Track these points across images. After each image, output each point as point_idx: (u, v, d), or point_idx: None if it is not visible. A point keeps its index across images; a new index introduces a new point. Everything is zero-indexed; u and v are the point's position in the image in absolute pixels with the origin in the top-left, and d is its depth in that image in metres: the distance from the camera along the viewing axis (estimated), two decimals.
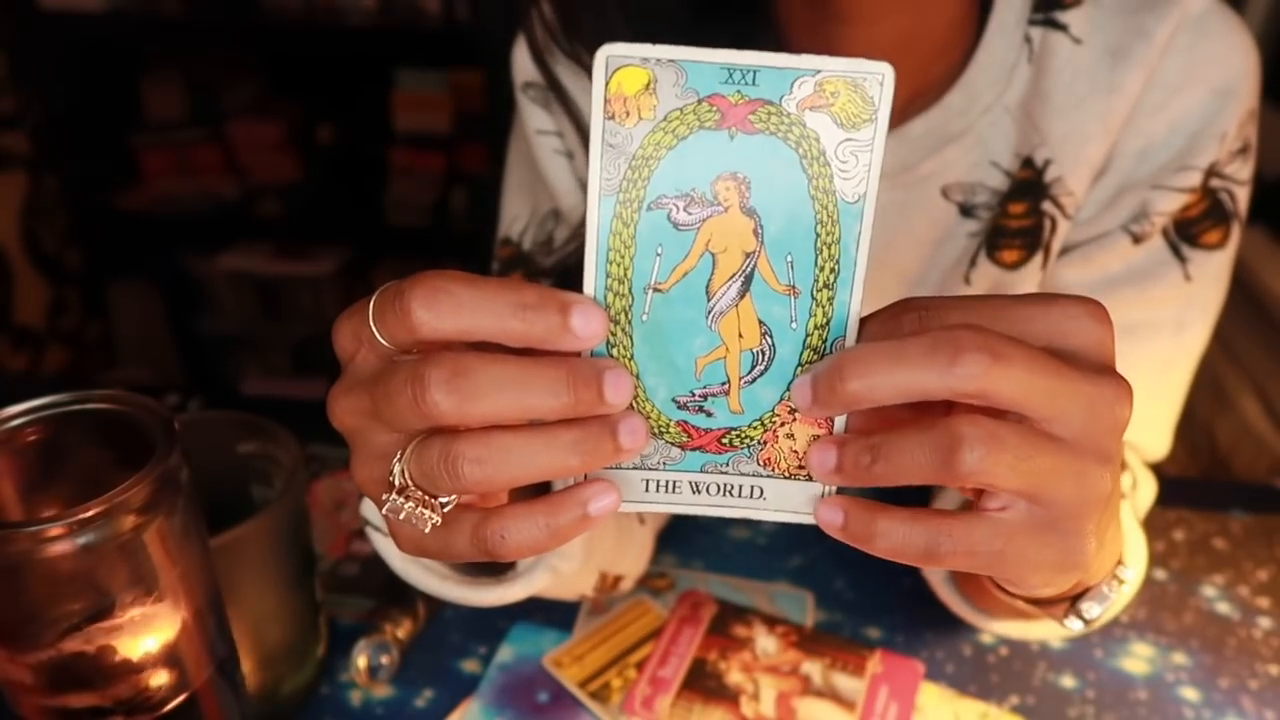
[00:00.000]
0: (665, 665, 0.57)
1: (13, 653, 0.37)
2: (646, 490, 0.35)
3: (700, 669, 0.56)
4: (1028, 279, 0.60)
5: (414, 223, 2.02)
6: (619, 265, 0.32)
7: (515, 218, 0.68)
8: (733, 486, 0.35)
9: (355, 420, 0.33)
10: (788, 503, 0.35)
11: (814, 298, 0.32)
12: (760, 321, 0.33)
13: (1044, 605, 0.50)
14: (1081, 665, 0.58)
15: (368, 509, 0.50)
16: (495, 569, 0.51)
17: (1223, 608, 0.63)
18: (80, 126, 1.98)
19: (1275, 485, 0.76)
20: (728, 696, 0.55)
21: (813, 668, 0.57)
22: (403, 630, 0.57)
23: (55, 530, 0.34)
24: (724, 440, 0.34)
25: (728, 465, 0.35)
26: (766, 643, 0.58)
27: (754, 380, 0.33)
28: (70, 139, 1.96)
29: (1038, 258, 0.59)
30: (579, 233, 0.60)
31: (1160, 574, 0.65)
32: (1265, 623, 0.62)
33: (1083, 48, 0.55)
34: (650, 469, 0.35)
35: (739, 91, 0.30)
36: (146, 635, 0.38)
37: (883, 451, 0.31)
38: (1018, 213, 0.58)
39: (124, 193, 2.06)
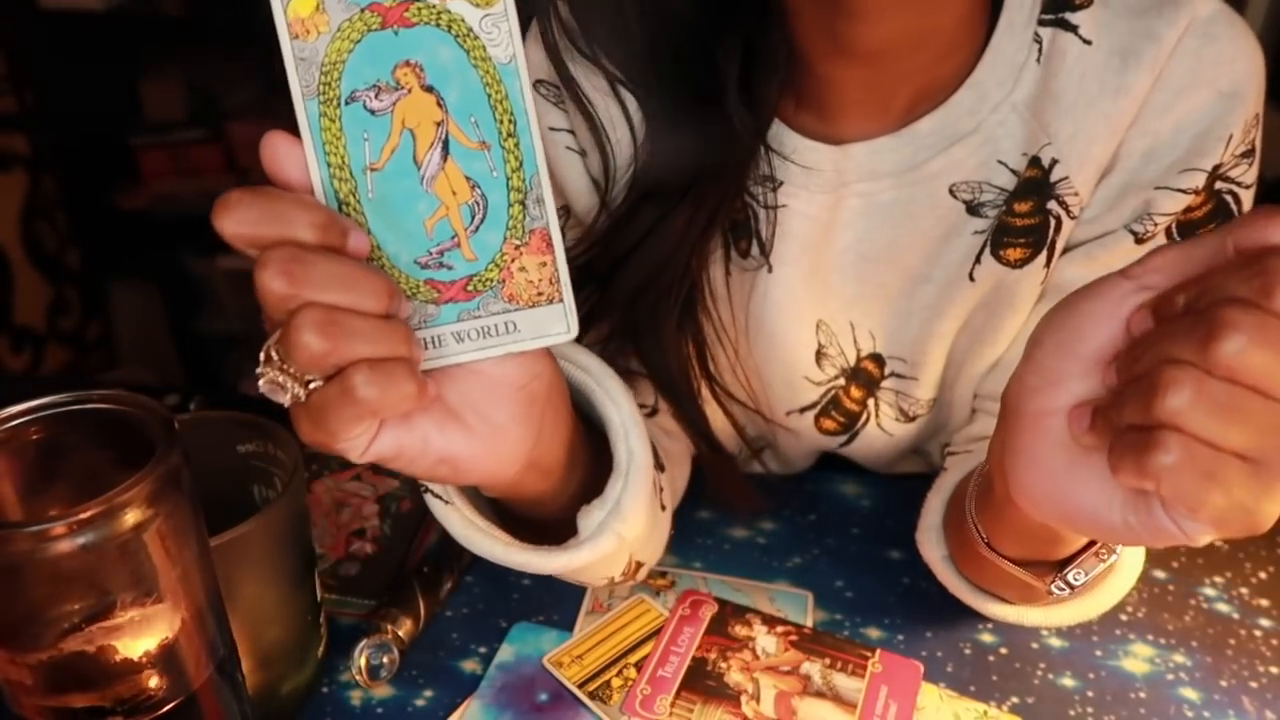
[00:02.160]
0: (665, 665, 0.57)
1: (13, 653, 0.37)
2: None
3: (700, 668, 0.56)
4: (1031, 277, 0.60)
5: None
6: (336, 155, 0.38)
7: None
8: (489, 327, 0.41)
9: None
10: (538, 329, 0.41)
11: (503, 147, 0.39)
12: (467, 178, 0.39)
13: (1033, 569, 0.51)
14: (1081, 665, 0.58)
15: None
16: (559, 538, 0.52)
17: (1223, 608, 0.63)
18: (80, 126, 1.98)
19: None
20: (728, 696, 0.55)
21: (813, 668, 0.57)
22: (403, 630, 0.57)
23: (55, 530, 0.34)
24: (469, 288, 0.40)
25: (479, 309, 0.40)
26: (766, 642, 0.58)
27: (478, 229, 0.39)
28: (70, 139, 1.96)
29: (1042, 256, 0.59)
30: (589, 233, 0.61)
31: (1160, 574, 0.65)
32: (1265, 623, 0.62)
33: (1092, 49, 0.56)
34: (415, 329, 0.40)
35: None
36: (146, 635, 0.38)
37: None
38: (1023, 211, 0.58)
39: (124, 193, 2.05)
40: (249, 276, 0.36)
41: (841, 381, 0.67)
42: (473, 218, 0.39)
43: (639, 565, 0.57)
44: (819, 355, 0.66)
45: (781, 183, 0.60)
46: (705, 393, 0.63)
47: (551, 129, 0.63)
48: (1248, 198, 0.58)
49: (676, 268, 0.58)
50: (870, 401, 0.68)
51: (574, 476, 0.52)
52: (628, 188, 0.60)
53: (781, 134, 0.60)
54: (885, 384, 0.67)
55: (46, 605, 0.36)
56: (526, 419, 0.44)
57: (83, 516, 0.34)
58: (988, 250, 0.60)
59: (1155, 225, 0.58)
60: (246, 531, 0.46)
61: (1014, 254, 0.59)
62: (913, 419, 0.68)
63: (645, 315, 0.59)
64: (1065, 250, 0.60)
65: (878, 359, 0.66)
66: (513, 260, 0.40)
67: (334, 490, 0.70)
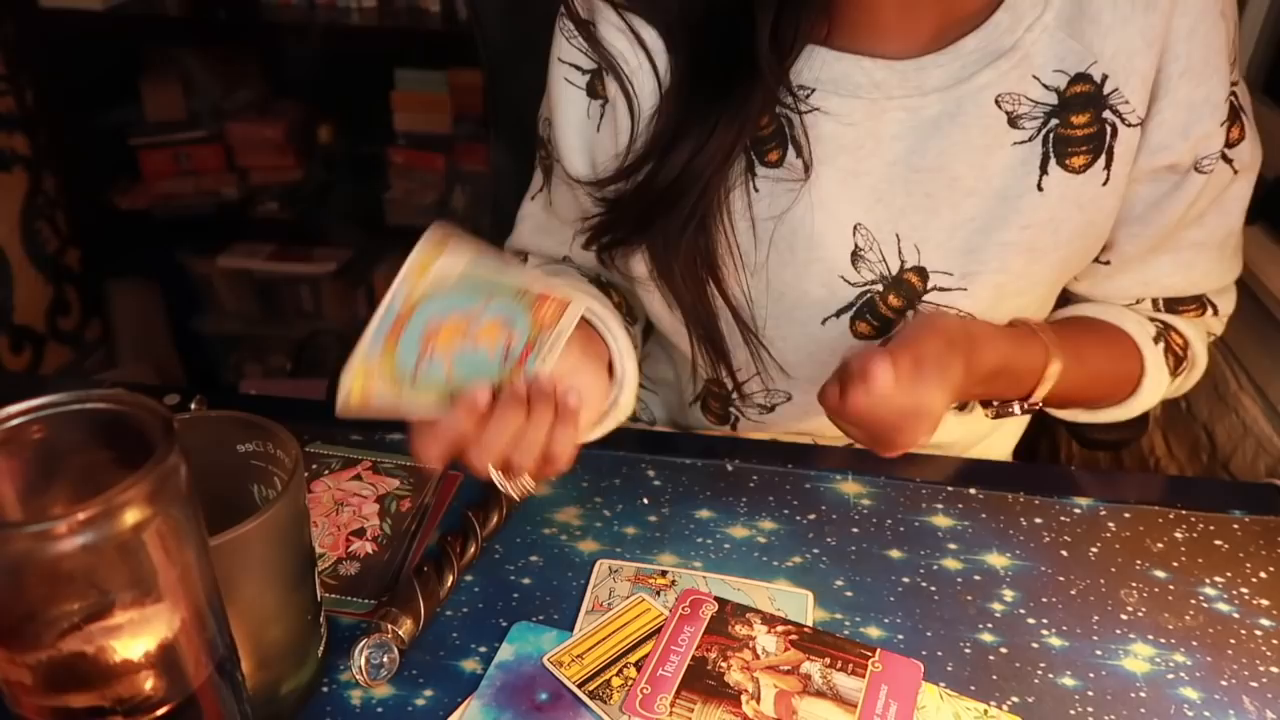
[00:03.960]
0: (665, 664, 0.57)
1: (12, 653, 0.37)
2: None
3: (700, 668, 0.56)
4: (1093, 180, 0.68)
5: (414, 223, 2.01)
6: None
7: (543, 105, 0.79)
8: None
9: None
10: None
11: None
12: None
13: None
14: (1081, 665, 0.58)
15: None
16: None
17: (1223, 608, 0.63)
18: (80, 126, 1.98)
19: (1275, 485, 0.76)
20: (728, 695, 0.55)
21: (813, 667, 0.57)
22: (403, 630, 0.57)
23: (55, 530, 0.34)
24: None
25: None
26: (766, 642, 0.58)
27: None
28: (70, 139, 1.96)
29: (1101, 160, 0.67)
30: (622, 162, 0.69)
31: (1160, 574, 0.65)
32: (1265, 623, 0.62)
33: None
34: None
35: None
36: (146, 635, 0.38)
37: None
38: (1081, 123, 0.67)
39: (124, 193, 2.05)
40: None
41: (879, 288, 0.71)
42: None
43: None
44: (855, 257, 0.70)
45: (813, 90, 0.67)
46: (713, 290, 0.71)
47: (560, 60, 0.71)
48: (1241, 91, 0.69)
49: (688, 189, 0.65)
50: (910, 313, 0.72)
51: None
52: (652, 121, 0.67)
53: (812, 51, 0.66)
54: (928, 296, 0.71)
55: (46, 605, 0.36)
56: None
57: (82, 516, 0.34)
58: (1053, 161, 0.67)
59: (1215, 159, 0.68)
60: (246, 531, 0.46)
61: (1078, 161, 0.67)
62: None
63: (659, 228, 0.67)
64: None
65: (921, 272, 0.70)
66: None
67: (334, 490, 0.70)
